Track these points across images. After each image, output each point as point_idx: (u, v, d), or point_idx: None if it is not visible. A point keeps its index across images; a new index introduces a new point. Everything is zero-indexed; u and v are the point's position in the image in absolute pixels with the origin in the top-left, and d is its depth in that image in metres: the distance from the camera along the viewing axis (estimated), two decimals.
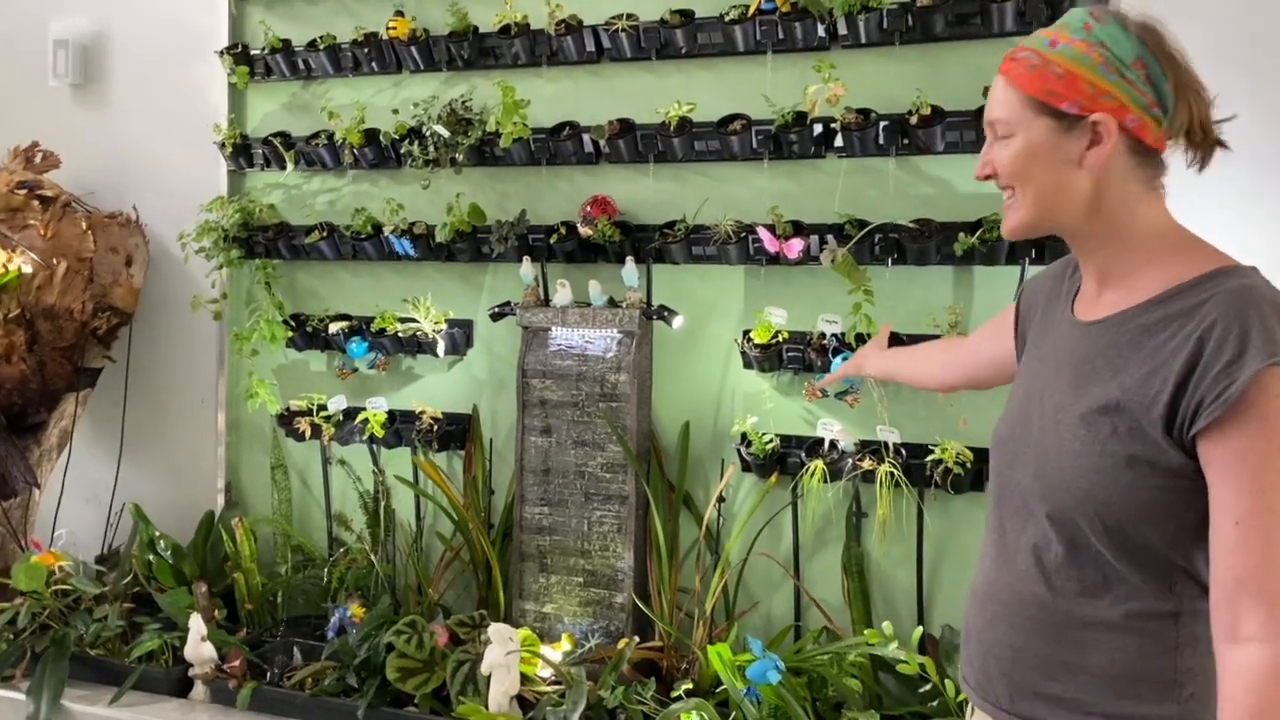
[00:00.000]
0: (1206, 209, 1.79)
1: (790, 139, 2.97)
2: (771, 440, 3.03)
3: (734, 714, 2.62)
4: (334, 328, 3.55)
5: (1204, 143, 1.28)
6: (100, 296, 3.68)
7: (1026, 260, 2.71)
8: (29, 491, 3.66)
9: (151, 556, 3.59)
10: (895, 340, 2.66)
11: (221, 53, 3.72)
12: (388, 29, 3.45)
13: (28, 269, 3.53)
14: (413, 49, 3.42)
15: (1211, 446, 1.13)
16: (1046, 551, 1.29)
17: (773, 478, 3.04)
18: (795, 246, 2.94)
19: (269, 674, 3.13)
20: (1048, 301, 1.45)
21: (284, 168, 3.64)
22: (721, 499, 3.13)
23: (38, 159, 3.80)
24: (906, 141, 2.85)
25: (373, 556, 3.44)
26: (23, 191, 3.61)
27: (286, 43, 3.64)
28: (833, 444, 2.96)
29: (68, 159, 3.92)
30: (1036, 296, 1.50)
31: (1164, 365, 1.16)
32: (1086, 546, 1.24)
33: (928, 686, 2.59)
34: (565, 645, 3.07)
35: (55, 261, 3.55)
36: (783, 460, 3.02)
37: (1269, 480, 1.09)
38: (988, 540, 1.42)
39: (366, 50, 3.48)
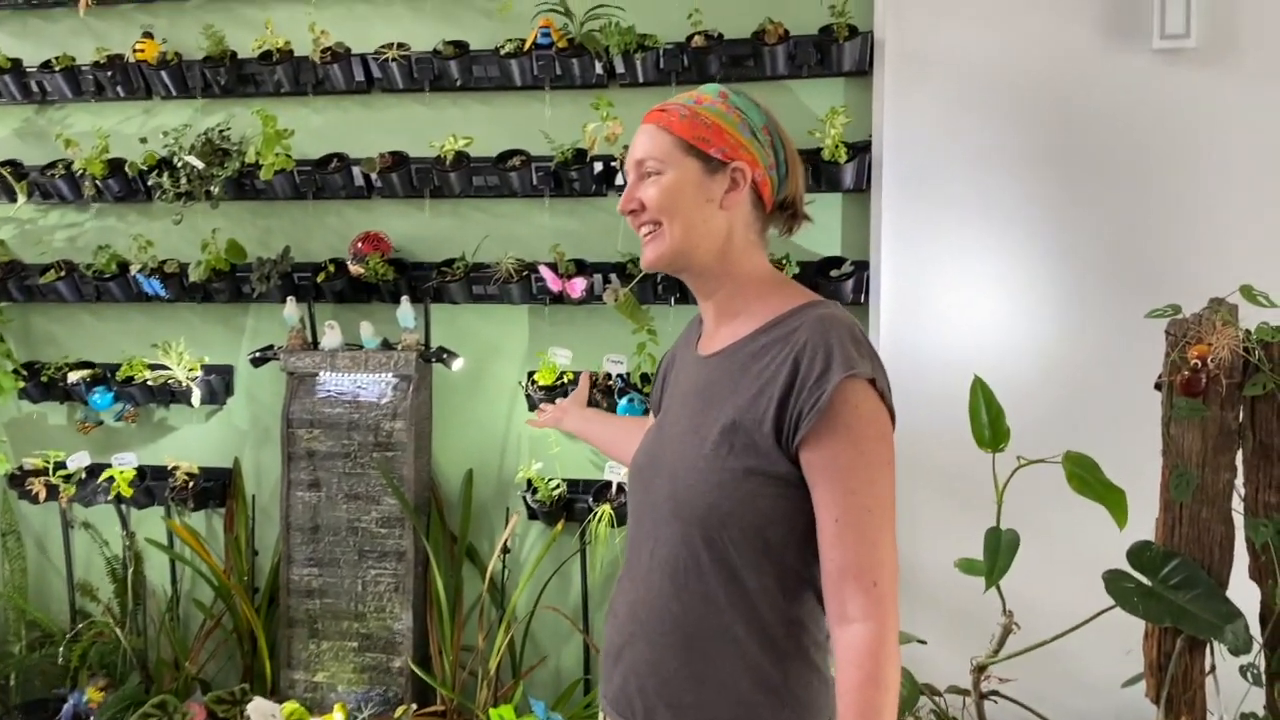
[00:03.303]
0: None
1: (571, 176, 2.87)
2: (558, 486, 2.90)
3: None
4: (74, 377, 3.17)
5: (795, 214, 1.48)
6: None
7: None
8: None
9: None
10: None
11: None
12: (135, 51, 3.13)
13: None
14: (163, 74, 3.12)
15: (810, 454, 1.27)
16: (677, 567, 1.36)
17: (559, 525, 2.90)
18: (578, 285, 2.84)
19: None
20: (682, 351, 1.57)
21: (14, 200, 3.24)
22: (506, 549, 2.96)
23: None
24: None
25: (119, 631, 3.06)
26: None
27: (16, 62, 3.25)
28: (620, 487, 2.85)
29: None
30: (673, 354, 1.64)
31: (769, 384, 1.30)
32: (714, 558, 1.33)
33: None
34: (338, 716, 2.81)
35: None
36: (570, 506, 2.89)
37: (857, 481, 1.25)
38: (626, 562, 1.49)
39: (110, 74, 3.15)
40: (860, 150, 2.70)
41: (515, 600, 2.91)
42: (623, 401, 2.80)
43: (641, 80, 2.85)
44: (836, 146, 2.64)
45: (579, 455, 2.99)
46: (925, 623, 2.47)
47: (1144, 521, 1.93)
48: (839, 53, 2.71)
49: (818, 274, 2.74)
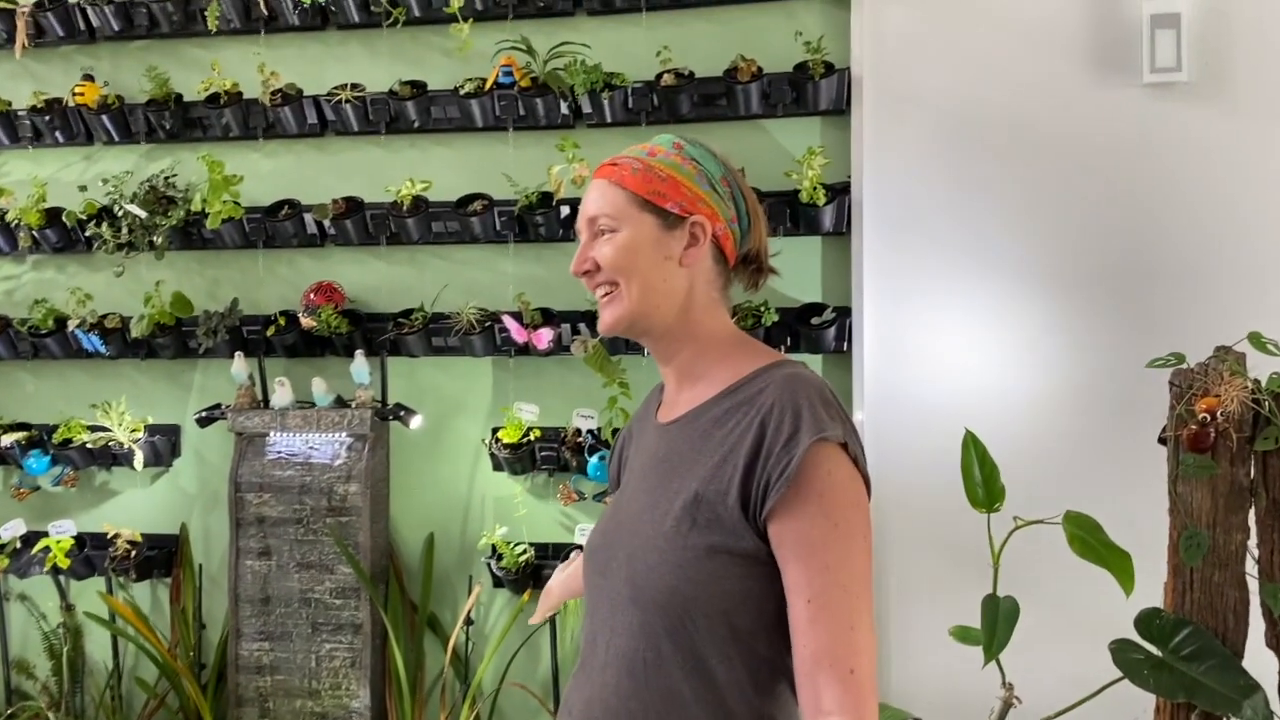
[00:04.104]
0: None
1: (536, 220, 2.77)
2: (525, 551, 2.76)
3: None
4: (7, 440, 3.02)
5: (759, 268, 1.42)
6: None
7: (782, 348, 2.61)
8: None
9: None
10: None
11: None
12: (74, 94, 3.03)
13: None
14: (104, 118, 3.01)
15: (779, 528, 1.18)
16: (636, 660, 1.26)
17: (526, 594, 2.77)
18: (545, 336, 2.73)
19: None
20: (640, 422, 1.49)
21: None
22: (470, 621, 2.82)
23: None
24: None
25: (50, 715, 2.88)
26: None
27: None
28: None
29: None
30: (631, 426, 1.56)
31: (733, 451, 1.22)
32: (677, 649, 1.24)
33: None
34: None
35: None
36: (538, 573, 2.76)
37: (832, 557, 1.15)
38: (581, 655, 1.40)
39: (49, 119, 3.05)
40: (839, 192, 2.62)
41: (480, 675, 2.76)
42: (593, 460, 2.68)
43: (609, 120, 2.77)
44: (815, 188, 2.55)
45: (547, 518, 2.86)
46: (917, 697, 2.34)
47: (1152, 586, 1.83)
48: (815, 91, 2.64)
49: (798, 321, 2.64)
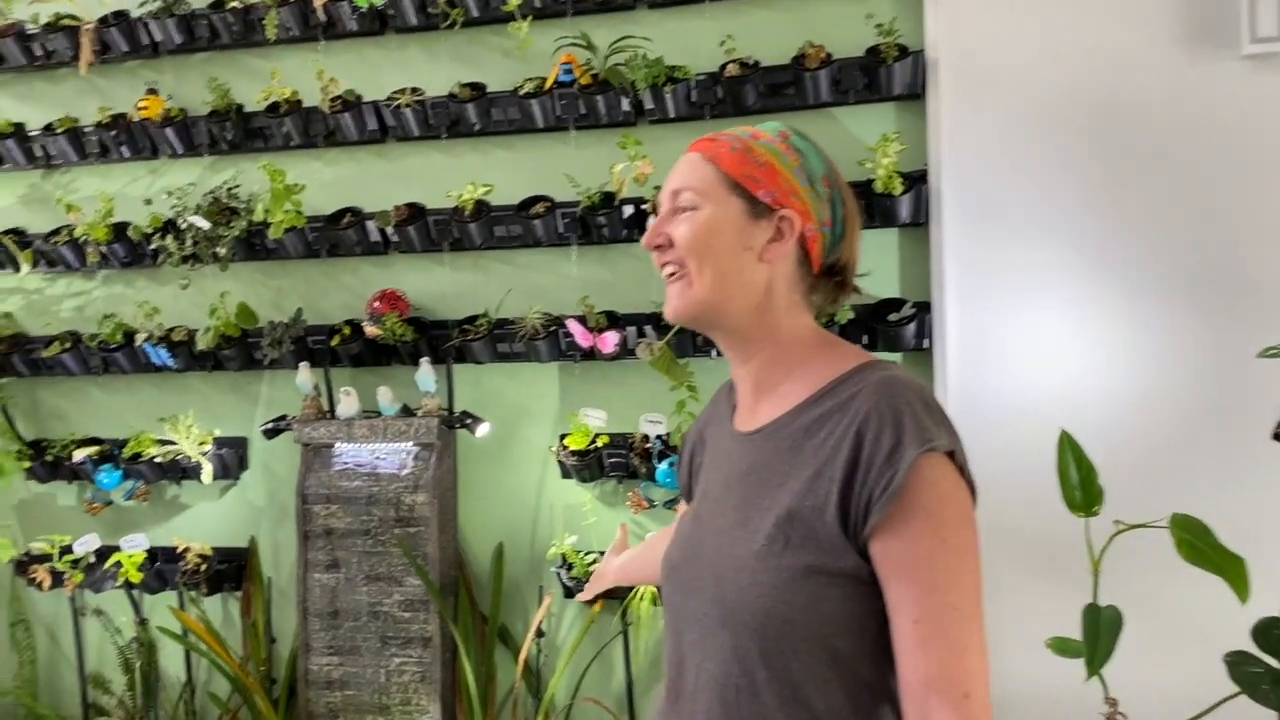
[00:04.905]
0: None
1: (599, 221, 2.73)
2: (595, 560, 2.72)
3: None
4: (79, 455, 3.08)
5: (843, 282, 1.32)
6: None
7: None
8: None
9: None
10: None
11: None
12: (138, 109, 3.08)
13: None
14: (168, 131, 3.05)
15: (883, 546, 1.11)
16: (728, 686, 1.20)
17: (598, 605, 2.72)
18: (610, 340, 2.68)
19: None
20: (712, 427, 1.42)
21: (19, 269, 3.18)
22: (541, 632, 2.78)
23: None
24: None
25: None
26: None
27: (20, 126, 3.22)
28: None
29: None
30: (700, 430, 1.48)
31: (828, 464, 1.15)
32: (772, 676, 1.17)
33: None
34: None
35: None
36: None
37: (941, 576, 1.09)
38: (668, 678, 1.31)
39: (115, 134, 3.10)
40: (916, 181, 2.53)
41: (553, 689, 2.72)
42: (663, 466, 2.63)
43: (672, 115, 2.72)
44: (890, 177, 2.47)
45: (617, 526, 2.81)
46: (1011, 714, 2.24)
47: (1268, 594, 1.71)
48: (888, 75, 2.56)
49: (874, 318, 2.56)
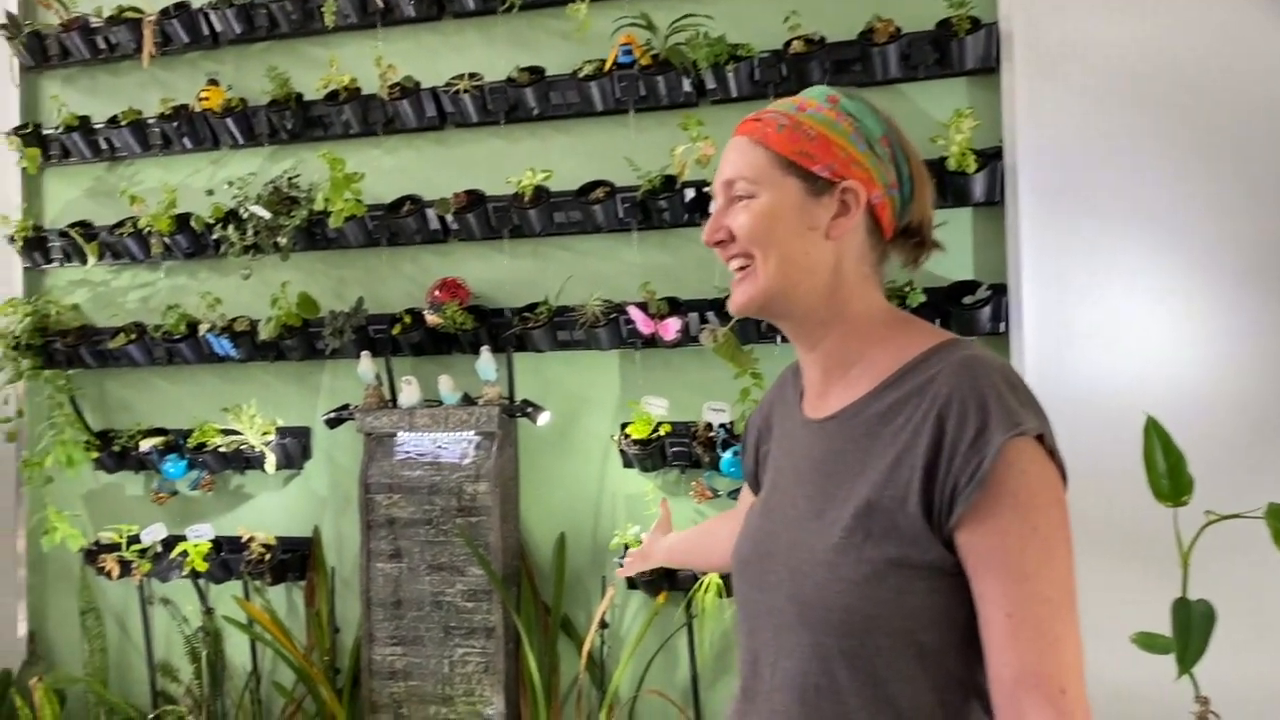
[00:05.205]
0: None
1: (660, 206, 2.69)
2: None
3: None
4: (145, 445, 3.12)
5: (922, 241, 1.27)
6: None
7: None
8: None
9: None
10: None
11: (9, 134, 3.31)
12: (199, 100, 3.10)
13: None
14: (229, 121, 3.07)
15: (969, 536, 1.06)
16: (807, 686, 1.15)
17: (661, 596, 2.69)
18: (672, 327, 2.65)
19: None
20: (779, 413, 1.36)
21: (85, 262, 3.23)
22: (605, 624, 2.76)
23: None
24: None
25: (192, 719, 2.96)
26: None
27: (85, 120, 3.26)
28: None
29: None
30: (765, 414, 1.42)
31: (907, 451, 1.10)
32: (855, 674, 1.13)
33: None
34: None
35: None
36: (672, 575, 2.68)
37: (1032, 565, 1.04)
38: (743, 677, 1.27)
39: (176, 125, 3.13)
40: (990, 158, 2.45)
41: (617, 681, 2.70)
42: (727, 455, 2.59)
43: (735, 95, 2.67)
44: (964, 154, 2.39)
45: (680, 516, 2.78)
46: (1095, 712, 2.16)
47: None
48: (960, 49, 2.48)
49: (948, 301, 2.48)
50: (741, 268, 1.22)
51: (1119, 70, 2.40)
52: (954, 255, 2.56)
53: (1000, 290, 2.48)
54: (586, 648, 2.72)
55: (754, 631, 1.24)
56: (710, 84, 2.66)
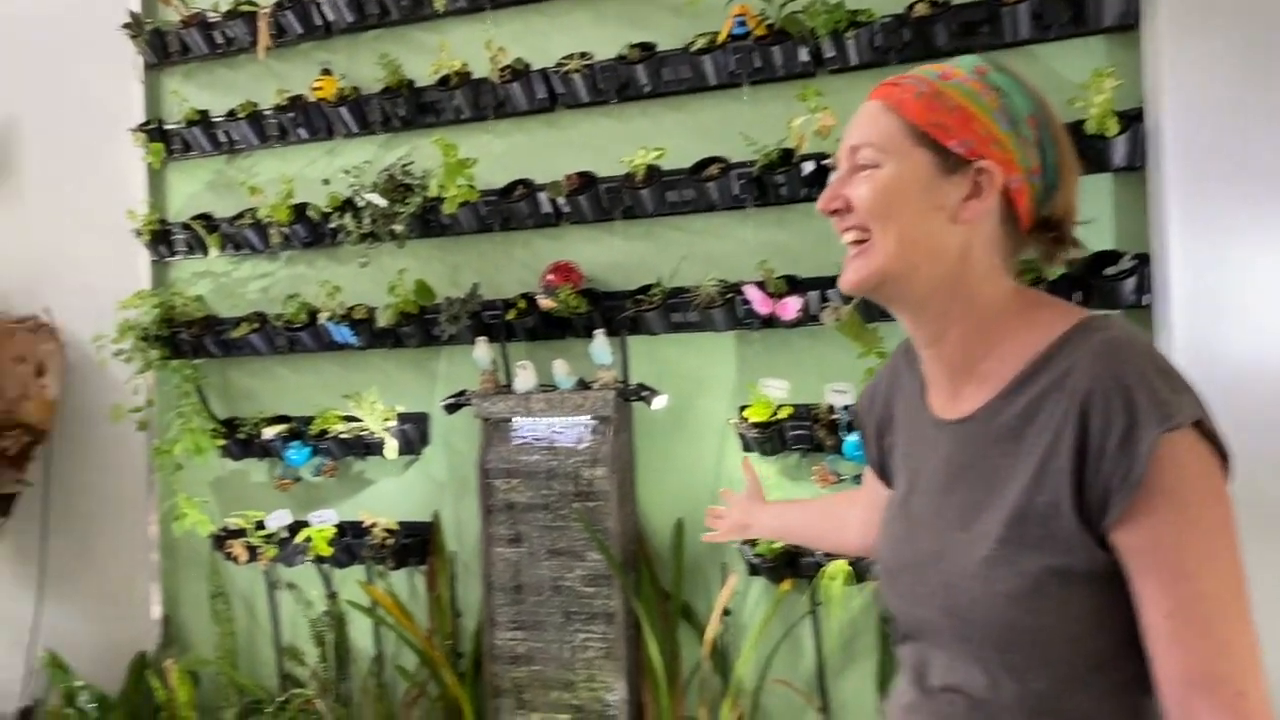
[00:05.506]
0: None
1: (776, 181, 2.62)
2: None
3: None
4: (269, 432, 3.19)
5: (1061, 237, 1.17)
6: (6, 413, 3.33)
7: None
8: None
9: (71, 711, 3.18)
10: None
11: (134, 131, 3.40)
12: (313, 90, 3.14)
13: None
14: (343, 110, 3.10)
15: (1125, 537, 1.00)
16: (973, 702, 1.10)
17: (785, 583, 2.63)
18: (791, 306, 2.57)
19: None
20: (901, 402, 1.29)
21: (207, 253, 3.31)
22: (727, 611, 2.71)
23: None
24: None
25: (319, 704, 3.01)
26: None
27: (204, 114, 3.34)
28: None
29: None
30: (887, 399, 1.33)
31: (1053, 452, 1.03)
32: (1022, 688, 1.07)
33: None
34: None
35: None
36: (794, 560, 2.61)
37: (1193, 562, 0.98)
38: (904, 680, 1.21)
39: (292, 115, 3.18)
40: (1131, 120, 2.31)
41: (740, 670, 2.65)
42: (851, 438, 2.51)
43: (854, 63, 2.58)
44: (1105, 117, 2.26)
45: (777, 489, 2.71)
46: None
47: None
48: (1097, 5, 2.34)
49: (1088, 273, 2.35)
50: (856, 241, 1.15)
51: (1273, 21, 2.23)
52: (1094, 224, 2.42)
53: (1144, 260, 2.34)
54: (709, 636, 2.68)
55: (912, 639, 1.19)
56: (829, 52, 2.58)
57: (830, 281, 2.60)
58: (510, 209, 2.92)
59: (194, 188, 3.47)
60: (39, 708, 3.39)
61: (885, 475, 1.37)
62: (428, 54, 3.05)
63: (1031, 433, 1.05)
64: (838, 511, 1.67)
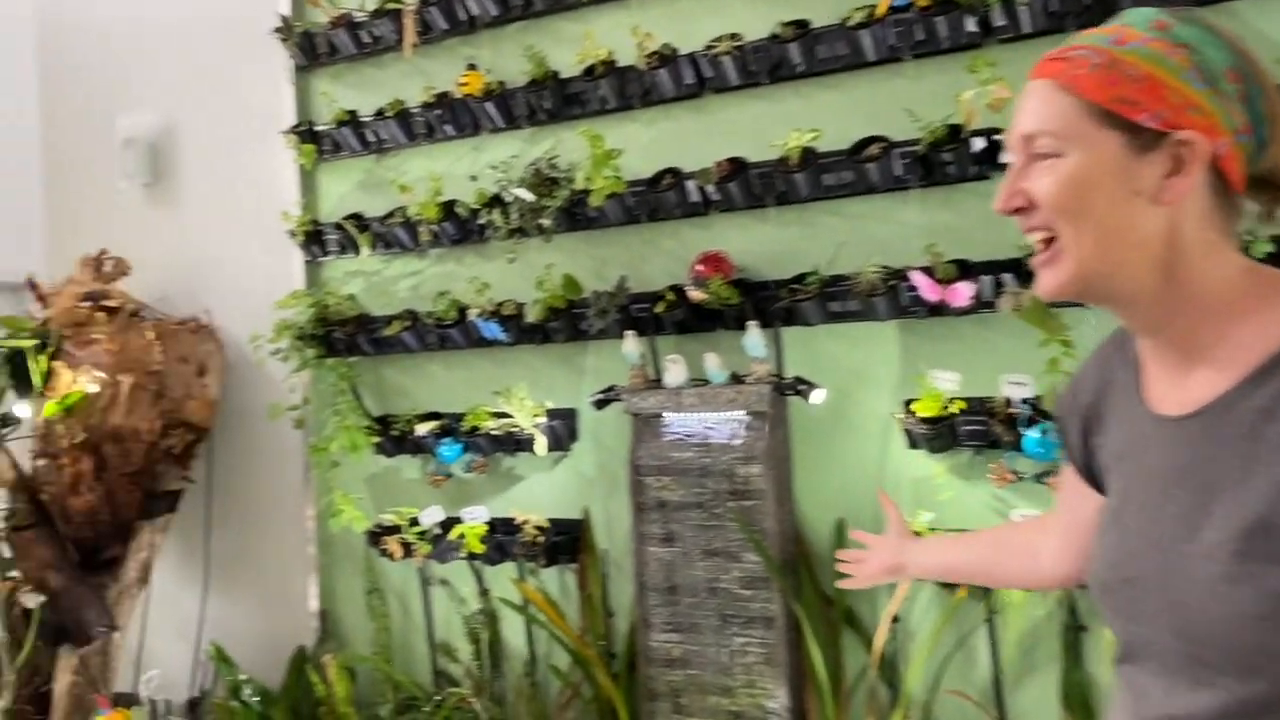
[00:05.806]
0: None
1: (943, 159, 2.47)
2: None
3: None
4: (422, 429, 3.20)
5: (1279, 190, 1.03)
6: (171, 412, 3.44)
7: None
8: (108, 635, 3.39)
9: (236, 704, 3.26)
10: None
11: (286, 132, 3.47)
12: (459, 86, 3.13)
13: (94, 388, 3.31)
14: (489, 105, 3.08)
15: None
16: None
17: (962, 590, 2.48)
18: (962, 292, 2.42)
19: None
20: (1113, 397, 1.15)
21: (358, 252, 3.34)
22: (896, 619, 2.57)
23: (106, 267, 3.62)
24: None
25: (474, 702, 3.00)
26: (87, 304, 3.41)
27: (353, 114, 3.37)
28: None
29: (141, 263, 3.74)
30: (1097, 395, 1.18)
31: None
32: (1275, 714, 0.93)
33: None
34: None
35: (118, 378, 3.31)
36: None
37: None
38: (1123, 702, 1.10)
39: (439, 112, 3.17)
40: None
41: (910, 680, 2.51)
42: (1031, 434, 2.34)
43: (1027, 30, 2.40)
44: None
45: (975, 502, 2.55)
46: None
47: None
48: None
49: None
50: (1045, 240, 1.03)
51: None
52: None
53: None
54: (879, 644, 2.55)
55: (1135, 660, 1.07)
56: (999, 20, 2.41)
57: (1004, 265, 2.43)
58: (658, 199, 2.85)
59: (344, 188, 3.51)
60: (206, 699, 3.50)
61: (1092, 478, 1.23)
62: (573, 44, 3.00)
63: (1274, 432, 0.93)
64: (1021, 540, 1.52)
